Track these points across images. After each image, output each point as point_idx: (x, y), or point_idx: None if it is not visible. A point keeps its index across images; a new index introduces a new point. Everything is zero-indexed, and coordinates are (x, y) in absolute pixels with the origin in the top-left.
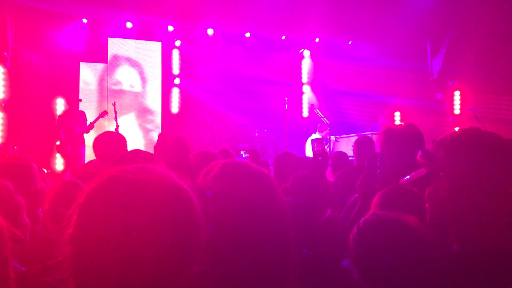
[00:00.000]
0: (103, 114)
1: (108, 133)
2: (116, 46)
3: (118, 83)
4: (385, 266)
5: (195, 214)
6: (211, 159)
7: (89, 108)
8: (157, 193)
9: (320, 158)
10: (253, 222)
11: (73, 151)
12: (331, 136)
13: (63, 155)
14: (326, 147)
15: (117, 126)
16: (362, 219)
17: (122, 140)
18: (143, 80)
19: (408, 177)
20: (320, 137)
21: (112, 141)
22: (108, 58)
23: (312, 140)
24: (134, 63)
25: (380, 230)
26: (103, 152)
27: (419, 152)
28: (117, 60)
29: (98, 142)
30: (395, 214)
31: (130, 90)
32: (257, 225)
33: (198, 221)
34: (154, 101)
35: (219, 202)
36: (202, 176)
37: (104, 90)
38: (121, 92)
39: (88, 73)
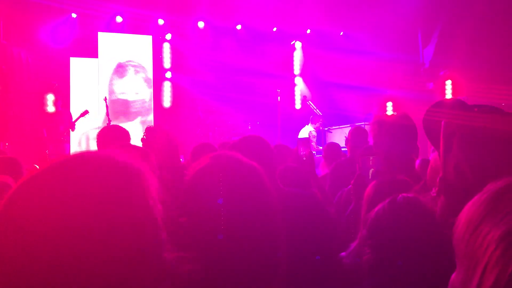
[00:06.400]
0: (84, 113)
1: (112, 126)
2: (106, 40)
3: (124, 92)
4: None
5: (149, 199)
6: (211, 151)
7: (80, 104)
8: (101, 177)
9: (304, 159)
10: (241, 218)
11: (56, 149)
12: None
13: (46, 154)
14: (314, 144)
15: (109, 121)
16: (387, 200)
17: (125, 134)
18: (147, 82)
19: None
20: (308, 136)
21: (115, 135)
22: (99, 53)
23: (298, 141)
24: (138, 69)
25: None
26: (106, 145)
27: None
28: (123, 67)
29: (101, 136)
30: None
31: (137, 99)
32: (245, 222)
33: (153, 210)
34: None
35: (205, 197)
36: (191, 170)
37: (95, 85)
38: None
39: (79, 69)
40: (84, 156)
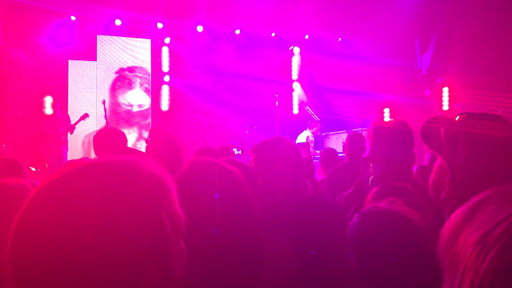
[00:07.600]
0: (84, 116)
1: (108, 129)
2: (105, 43)
3: (129, 105)
4: (386, 259)
5: (176, 207)
6: (212, 155)
7: (78, 106)
8: (128, 182)
9: (304, 163)
10: (218, 220)
11: (54, 152)
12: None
13: (43, 156)
14: (311, 149)
15: (107, 123)
16: (363, 210)
17: (122, 136)
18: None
19: None
20: (305, 141)
21: (112, 137)
22: (97, 56)
23: (298, 145)
24: (142, 81)
25: (382, 224)
26: (102, 147)
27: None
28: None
29: (98, 138)
30: (397, 208)
31: (140, 110)
32: (222, 225)
33: (179, 216)
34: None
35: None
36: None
37: (93, 88)
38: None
39: (77, 71)
40: (111, 161)
